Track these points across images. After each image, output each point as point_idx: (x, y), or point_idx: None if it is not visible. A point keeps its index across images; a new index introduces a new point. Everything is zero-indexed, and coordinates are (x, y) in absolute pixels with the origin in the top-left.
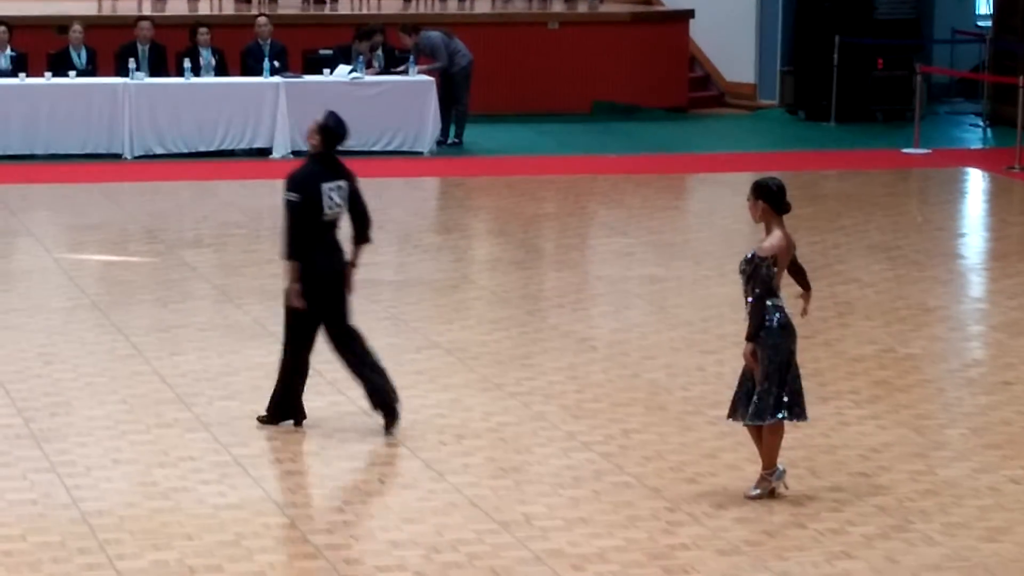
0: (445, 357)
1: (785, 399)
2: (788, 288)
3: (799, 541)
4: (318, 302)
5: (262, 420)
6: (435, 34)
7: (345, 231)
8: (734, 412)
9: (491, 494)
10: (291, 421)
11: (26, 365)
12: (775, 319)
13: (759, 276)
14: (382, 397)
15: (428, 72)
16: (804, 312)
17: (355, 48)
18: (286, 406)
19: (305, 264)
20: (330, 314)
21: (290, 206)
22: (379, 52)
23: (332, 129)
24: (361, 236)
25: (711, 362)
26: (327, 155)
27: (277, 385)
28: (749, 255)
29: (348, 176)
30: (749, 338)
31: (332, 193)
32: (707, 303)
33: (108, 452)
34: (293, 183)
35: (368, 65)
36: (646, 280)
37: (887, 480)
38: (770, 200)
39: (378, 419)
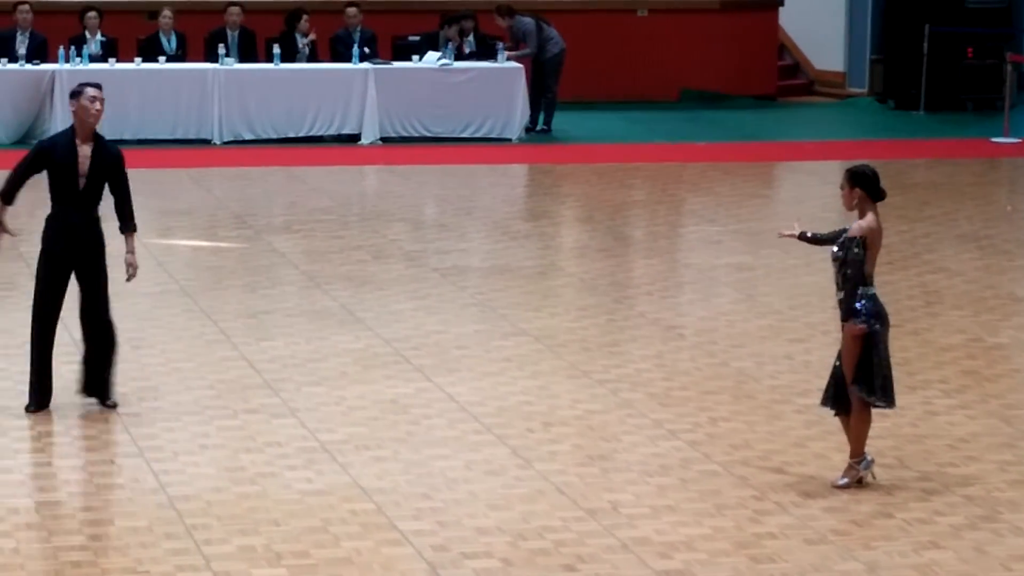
0: (533, 344)
1: (876, 385)
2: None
3: (887, 531)
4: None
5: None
6: (528, 19)
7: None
8: (827, 399)
9: (578, 481)
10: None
11: None
12: (865, 306)
13: (848, 257)
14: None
15: (517, 58)
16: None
17: (443, 34)
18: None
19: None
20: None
21: None
22: (470, 38)
23: None
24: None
25: (799, 350)
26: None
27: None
28: (843, 239)
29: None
30: (847, 317)
31: None
32: (795, 291)
33: (195, 437)
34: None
35: (459, 51)
36: (734, 268)
37: (975, 470)
38: (866, 187)
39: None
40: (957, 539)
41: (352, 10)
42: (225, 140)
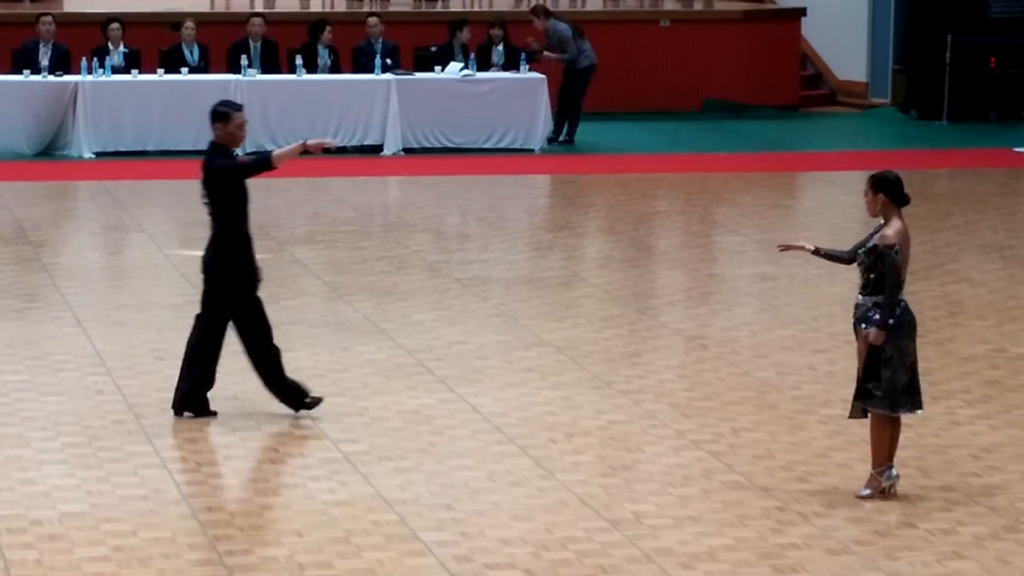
0: (555, 355)
1: (901, 393)
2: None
3: (910, 541)
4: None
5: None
6: (565, 26)
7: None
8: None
9: (601, 492)
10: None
11: (137, 361)
12: (903, 312)
13: (887, 265)
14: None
15: (556, 60)
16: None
17: (455, 42)
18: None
19: None
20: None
21: None
22: (500, 47)
23: None
24: None
25: (822, 361)
26: None
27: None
28: (870, 246)
29: None
30: (881, 326)
31: None
32: (818, 302)
33: (218, 448)
34: None
35: (488, 61)
36: (757, 278)
37: (998, 480)
38: (890, 192)
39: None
40: (980, 549)
41: (373, 20)
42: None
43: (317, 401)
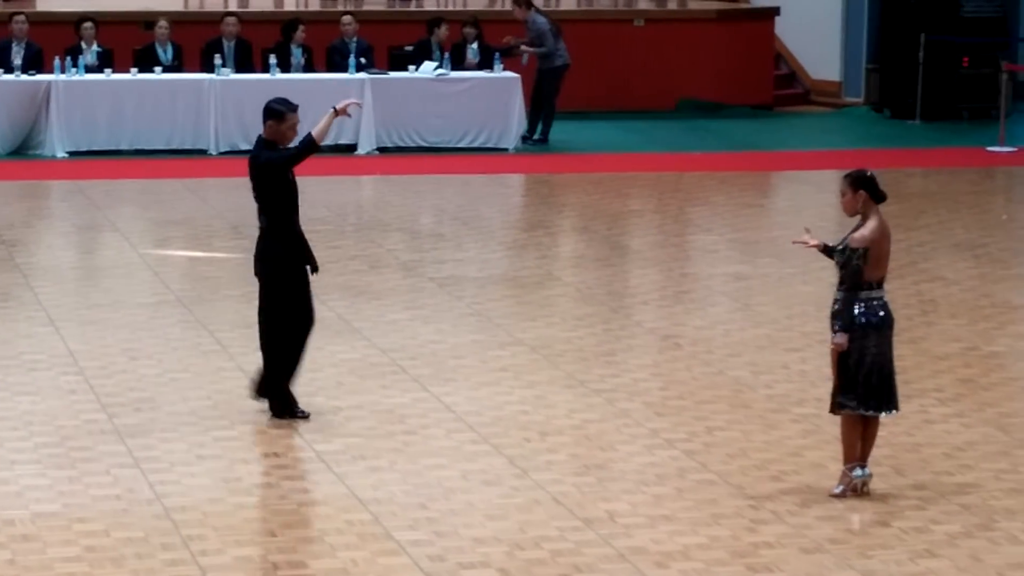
0: (529, 354)
1: (871, 392)
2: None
3: (883, 539)
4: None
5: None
6: (544, 20)
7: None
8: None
9: (574, 491)
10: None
11: (111, 360)
12: (863, 313)
13: (849, 267)
14: None
15: (532, 53)
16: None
17: (433, 40)
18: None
19: None
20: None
21: None
22: (474, 46)
23: None
24: None
25: (795, 360)
26: None
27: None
28: (843, 244)
29: None
30: (840, 329)
31: None
32: (792, 301)
33: (192, 448)
34: None
35: (462, 59)
36: (731, 277)
37: (972, 478)
38: (869, 188)
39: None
40: (953, 548)
41: (347, 18)
42: (221, 150)
43: (305, 416)
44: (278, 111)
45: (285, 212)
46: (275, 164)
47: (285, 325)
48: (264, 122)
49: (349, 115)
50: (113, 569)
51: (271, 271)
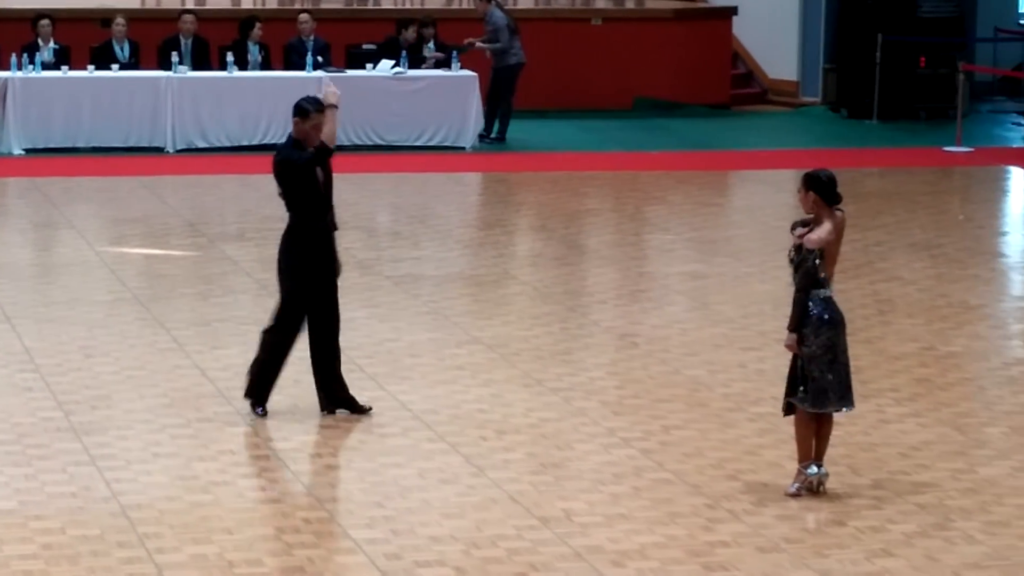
0: (486, 352)
1: (827, 391)
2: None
3: (839, 539)
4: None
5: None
6: (502, 16)
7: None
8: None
9: (531, 490)
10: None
11: (67, 358)
12: (819, 312)
13: (804, 268)
14: None
15: (487, 49)
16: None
17: (401, 39)
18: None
19: None
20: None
21: None
22: (431, 44)
23: None
24: None
25: (752, 359)
26: None
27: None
28: (798, 244)
29: None
30: (792, 329)
31: None
32: (749, 300)
33: (148, 446)
34: None
35: (420, 58)
36: (688, 276)
37: (928, 478)
38: (821, 191)
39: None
40: (909, 547)
41: (304, 16)
42: (178, 148)
43: (366, 410)
44: (304, 109)
45: (308, 211)
46: (291, 164)
47: (298, 323)
48: (293, 119)
49: (336, 105)
50: (69, 567)
51: (288, 268)
